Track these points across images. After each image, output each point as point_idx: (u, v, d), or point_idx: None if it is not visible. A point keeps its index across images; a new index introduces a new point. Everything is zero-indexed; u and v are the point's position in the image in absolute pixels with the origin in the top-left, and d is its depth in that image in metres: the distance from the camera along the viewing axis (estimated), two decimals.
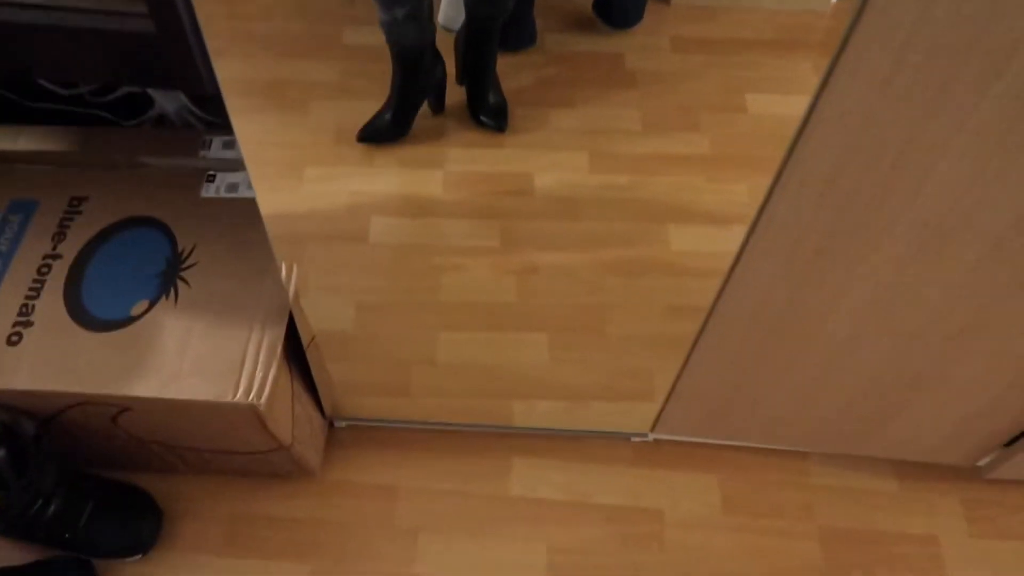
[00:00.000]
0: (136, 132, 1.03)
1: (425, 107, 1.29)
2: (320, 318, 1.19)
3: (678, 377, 0.96)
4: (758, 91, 1.53)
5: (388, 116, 1.25)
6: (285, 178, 1.22)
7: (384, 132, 1.24)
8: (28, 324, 0.86)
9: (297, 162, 1.25)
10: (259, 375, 0.84)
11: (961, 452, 1.16)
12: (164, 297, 0.86)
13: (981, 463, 1.16)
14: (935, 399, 0.99)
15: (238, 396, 0.83)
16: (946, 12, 0.48)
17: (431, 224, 1.21)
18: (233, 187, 0.96)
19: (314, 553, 1.26)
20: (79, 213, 0.94)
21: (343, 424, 1.15)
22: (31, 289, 0.87)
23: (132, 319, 0.86)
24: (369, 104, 1.32)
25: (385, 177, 1.24)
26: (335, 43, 1.40)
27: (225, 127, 0.95)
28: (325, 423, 1.12)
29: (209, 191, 0.95)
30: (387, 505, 1.25)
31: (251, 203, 0.94)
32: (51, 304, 0.88)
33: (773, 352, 0.91)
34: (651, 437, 1.15)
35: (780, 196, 0.67)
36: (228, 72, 1.34)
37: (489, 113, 1.23)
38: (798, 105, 1.53)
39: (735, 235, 1.39)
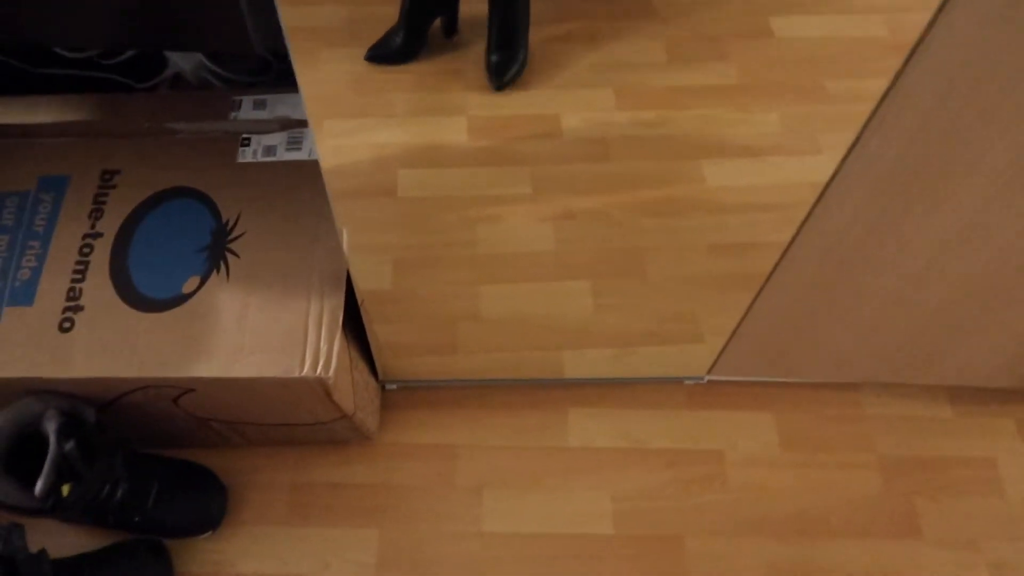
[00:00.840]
0: (160, 96, 1.00)
1: (442, 45, 1.26)
2: (358, 278, 1.18)
3: (743, 317, 0.97)
4: (784, 13, 1.50)
5: (399, 38, 1.21)
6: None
7: (394, 54, 1.20)
8: (78, 308, 0.84)
9: (316, 116, 1.22)
10: (324, 347, 0.83)
11: (1017, 374, 1.18)
12: (215, 272, 0.85)
13: None
14: (999, 326, 1.00)
15: (305, 370, 0.82)
16: None
17: (460, 174, 1.20)
18: (270, 150, 0.93)
19: (381, 517, 1.27)
20: (113, 187, 0.92)
21: (394, 386, 1.16)
22: (76, 272, 0.85)
23: (185, 296, 0.85)
24: None
25: (408, 127, 1.22)
26: None
27: (251, 84, 0.92)
28: (379, 386, 1.12)
29: (246, 155, 0.92)
30: (447, 464, 1.26)
31: (290, 166, 0.92)
32: (99, 286, 0.86)
33: (842, 290, 0.91)
34: (706, 379, 1.17)
35: (875, 129, 0.66)
36: None
37: (494, 68, 1.19)
38: (825, 26, 1.50)
39: (770, 167, 1.38)
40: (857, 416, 1.24)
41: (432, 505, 1.24)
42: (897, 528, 1.22)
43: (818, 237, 0.82)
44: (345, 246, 0.84)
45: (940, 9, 0.54)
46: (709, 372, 1.12)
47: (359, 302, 0.89)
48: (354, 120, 1.26)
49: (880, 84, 1.45)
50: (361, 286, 1.11)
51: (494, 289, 1.18)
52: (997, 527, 1.23)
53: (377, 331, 1.05)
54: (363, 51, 1.31)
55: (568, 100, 1.32)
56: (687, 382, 1.18)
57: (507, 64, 1.19)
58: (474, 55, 1.28)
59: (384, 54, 1.21)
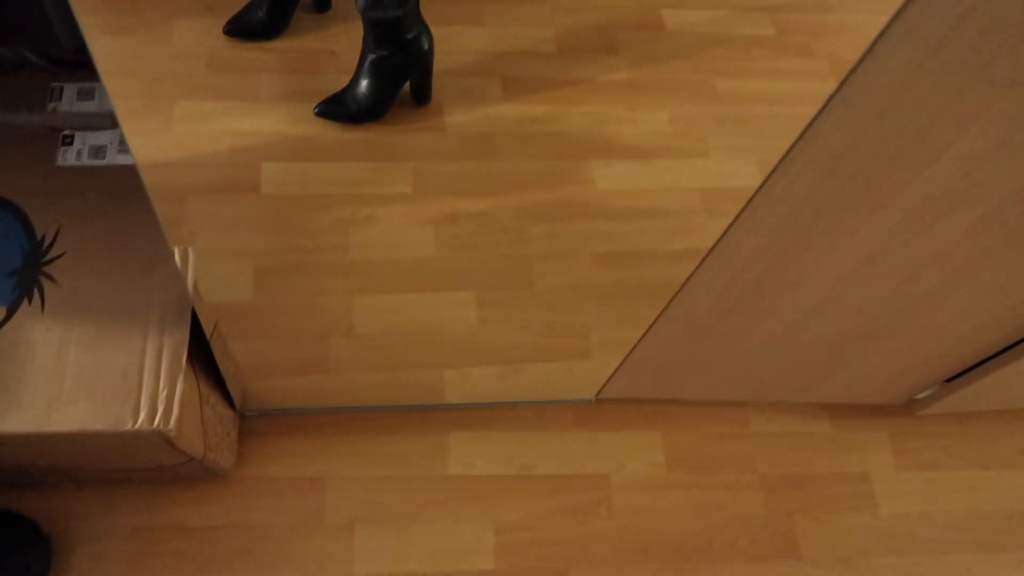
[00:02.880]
0: None
1: (313, 21, 1.20)
2: (213, 290, 1.09)
3: (639, 341, 0.98)
4: (674, 6, 1.53)
5: (262, 10, 1.14)
6: (151, 117, 1.09)
7: (258, 27, 1.13)
8: None
9: (165, 96, 1.12)
10: (163, 392, 0.74)
11: (897, 392, 1.28)
12: (26, 301, 0.73)
13: (920, 396, 1.29)
14: (888, 350, 1.07)
15: (140, 422, 0.72)
16: None
17: (332, 169, 1.14)
18: (99, 151, 0.82)
19: (239, 563, 1.17)
20: None
21: (255, 413, 1.08)
22: None
23: None
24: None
25: (274, 112, 1.14)
26: None
27: (80, 67, 0.81)
28: (236, 416, 1.04)
29: (68, 157, 0.80)
30: (315, 499, 1.18)
31: (123, 172, 0.82)
32: None
33: (737, 319, 0.94)
34: (593, 399, 1.19)
35: (783, 174, 0.68)
36: None
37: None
38: (715, 21, 1.55)
39: (661, 171, 1.41)
40: (742, 434, 1.31)
41: (297, 546, 1.17)
42: (777, 549, 1.30)
43: (717, 276, 0.85)
44: (191, 269, 0.76)
45: (864, 55, 0.56)
46: (599, 393, 1.14)
47: (208, 330, 0.82)
48: (211, 103, 1.17)
49: (764, 86, 1.52)
50: (217, 299, 1.04)
51: (369, 300, 1.13)
52: (871, 543, 1.33)
53: (235, 351, 0.98)
54: (222, 23, 1.22)
55: (452, 89, 1.29)
56: (574, 403, 1.19)
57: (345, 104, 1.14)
58: (348, 33, 1.23)
59: (246, 28, 1.13)
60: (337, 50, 1.17)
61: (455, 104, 1.21)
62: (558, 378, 1.15)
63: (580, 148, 1.26)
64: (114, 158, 0.83)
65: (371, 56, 1.07)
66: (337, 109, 1.09)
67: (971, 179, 0.67)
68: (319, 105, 1.08)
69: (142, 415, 0.73)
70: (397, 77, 1.11)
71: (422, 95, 1.15)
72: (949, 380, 1.18)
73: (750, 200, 0.71)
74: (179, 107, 1.09)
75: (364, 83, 1.09)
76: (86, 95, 0.80)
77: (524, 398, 1.16)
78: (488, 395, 1.13)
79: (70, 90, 0.81)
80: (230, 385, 0.94)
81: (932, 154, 0.64)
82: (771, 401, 1.29)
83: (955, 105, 0.58)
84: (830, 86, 1.52)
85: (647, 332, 0.96)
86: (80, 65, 0.78)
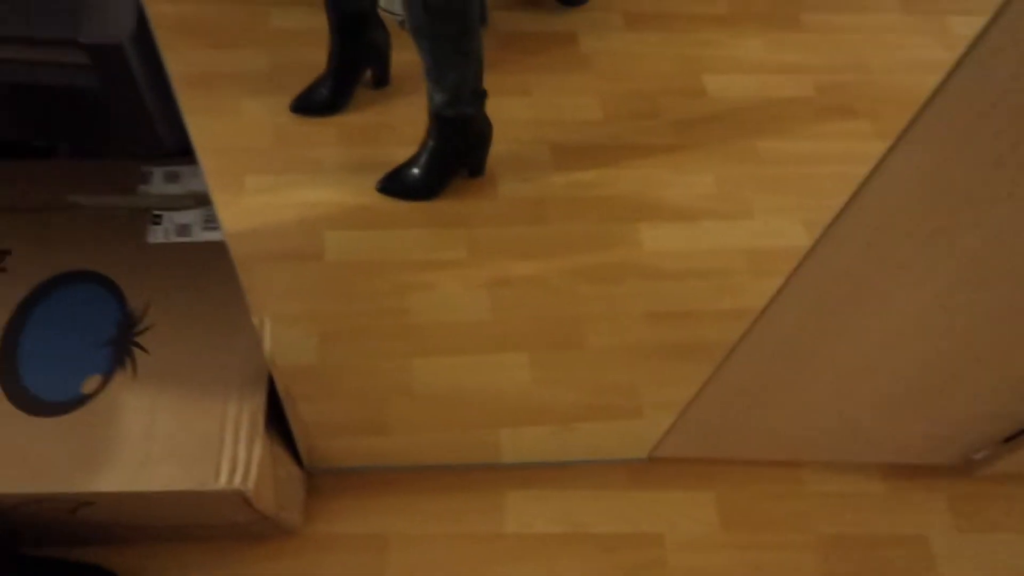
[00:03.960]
0: (59, 165, 0.92)
1: (372, 96, 1.27)
2: (282, 352, 1.15)
3: (692, 400, 1.00)
4: (715, 71, 1.59)
5: (326, 88, 1.17)
6: (223, 191, 1.16)
7: (321, 104, 1.17)
8: None
9: (236, 170, 1.19)
10: (242, 453, 0.78)
11: (953, 452, 1.27)
12: (120, 369, 0.78)
13: (977, 457, 1.28)
14: (942, 410, 1.08)
15: (221, 482, 0.76)
16: None
17: (391, 236, 1.19)
18: (184, 229, 0.88)
19: None
20: (3, 271, 0.83)
21: (322, 471, 1.13)
22: None
23: (85, 398, 0.77)
24: None
25: (337, 184, 1.21)
26: (262, 27, 1.34)
27: (168, 154, 0.88)
28: (304, 474, 1.09)
29: (156, 235, 0.86)
30: (378, 556, 1.21)
31: (207, 248, 0.88)
32: None
33: (789, 379, 0.96)
34: (646, 458, 1.20)
35: (831, 236, 0.71)
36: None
37: (390, 177, 1.16)
38: (755, 86, 1.60)
39: (708, 232, 1.44)
40: (797, 493, 1.30)
41: None
42: None
43: (766, 340, 0.87)
44: (268, 337, 0.82)
45: (913, 119, 0.59)
46: (651, 452, 1.16)
47: (282, 393, 0.87)
48: (278, 176, 1.24)
49: (807, 147, 1.56)
50: (285, 362, 1.09)
51: (427, 362, 1.17)
52: None
53: (302, 411, 1.03)
54: (288, 100, 1.30)
55: (504, 158, 1.35)
56: (628, 462, 1.21)
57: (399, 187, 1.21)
58: (406, 107, 1.30)
59: (311, 105, 1.21)
60: (395, 124, 1.24)
61: (506, 172, 1.27)
62: (611, 437, 1.17)
63: (628, 211, 1.30)
64: (198, 235, 0.89)
65: (432, 144, 1.14)
66: (397, 186, 1.15)
67: (1017, 242, 0.69)
68: (380, 181, 1.14)
69: (223, 476, 0.77)
70: (456, 163, 1.18)
71: (477, 171, 1.22)
72: (1007, 440, 1.17)
73: (800, 263, 0.74)
74: (249, 180, 1.16)
75: (424, 166, 1.15)
76: (172, 178, 0.87)
77: (578, 457, 1.18)
78: (543, 454, 1.16)
79: (158, 174, 0.87)
80: (299, 444, 0.98)
81: (974, 220, 0.66)
82: (825, 461, 1.29)
83: (997, 173, 0.61)
84: (874, 146, 1.54)
85: (699, 393, 0.98)
86: (169, 152, 0.85)
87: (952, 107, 0.56)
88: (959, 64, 0.53)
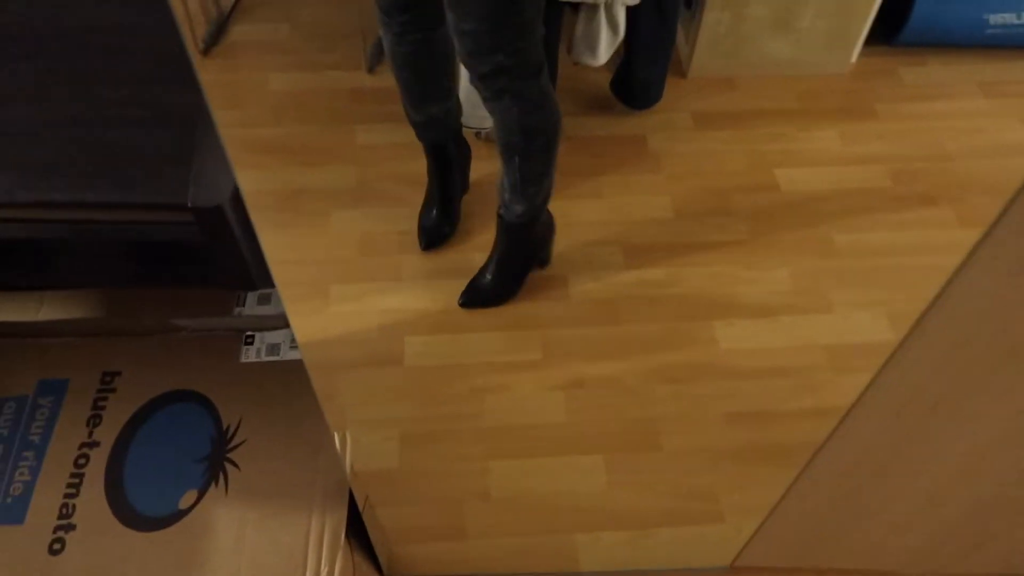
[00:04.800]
0: (165, 293, 1.01)
1: None
2: (363, 457, 1.16)
3: (773, 510, 0.97)
4: (787, 165, 1.58)
5: (434, 212, 1.24)
6: (310, 300, 1.21)
7: (439, 228, 1.24)
8: (70, 528, 0.81)
9: (322, 281, 1.24)
10: (324, 568, 0.80)
11: None
12: (214, 485, 0.82)
13: None
14: None
15: None
16: None
17: (468, 340, 1.21)
18: (274, 348, 0.93)
19: None
20: (112, 391, 0.91)
21: None
22: (70, 485, 0.82)
23: (182, 513, 0.83)
24: (392, 210, 1.34)
25: (415, 290, 1.24)
26: (349, 145, 1.42)
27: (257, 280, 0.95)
28: None
29: (249, 355, 0.92)
30: None
31: (293, 365, 0.92)
32: (93, 501, 0.82)
33: (872, 492, 0.92)
34: (728, 566, 1.16)
35: (916, 337, 0.69)
36: (241, 185, 1.35)
37: (469, 290, 1.21)
38: (828, 178, 1.57)
39: (784, 328, 1.41)
40: None
41: None
42: None
43: (844, 451, 0.84)
44: (348, 454, 0.84)
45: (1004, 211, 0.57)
46: (735, 560, 1.11)
47: (360, 504, 0.88)
48: (362, 284, 1.28)
49: (885, 237, 1.52)
50: (366, 467, 1.11)
51: (503, 465, 1.17)
52: None
53: (381, 516, 1.04)
54: (373, 211, 1.36)
55: (576, 259, 1.37)
56: (710, 571, 1.16)
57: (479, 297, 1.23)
58: (480, 214, 1.34)
59: (433, 236, 1.24)
60: (471, 229, 1.28)
61: (578, 273, 1.28)
62: (690, 543, 1.13)
63: (701, 309, 1.29)
64: (287, 354, 0.93)
65: (504, 250, 1.18)
66: (477, 298, 1.19)
67: None
68: (462, 297, 1.18)
69: None
70: (526, 267, 1.21)
71: (546, 262, 1.25)
72: None
73: (888, 359, 0.72)
74: (334, 289, 1.21)
75: (498, 272, 1.18)
76: (264, 300, 0.92)
77: (657, 565, 1.14)
78: (621, 562, 1.12)
79: (251, 297, 0.93)
80: (378, 552, 0.99)
81: None
82: (922, 572, 1.21)
83: None
84: (957, 235, 1.49)
85: (783, 498, 0.94)
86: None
87: None
88: None
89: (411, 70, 1.08)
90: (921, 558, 1.12)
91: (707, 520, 1.18)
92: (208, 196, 0.67)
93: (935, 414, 0.74)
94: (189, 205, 0.66)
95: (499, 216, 1.14)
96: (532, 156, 1.04)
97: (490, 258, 1.20)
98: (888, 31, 1.64)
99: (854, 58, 1.62)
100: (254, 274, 0.76)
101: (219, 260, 0.72)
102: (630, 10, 1.27)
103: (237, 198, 0.66)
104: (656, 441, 1.21)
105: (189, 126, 0.52)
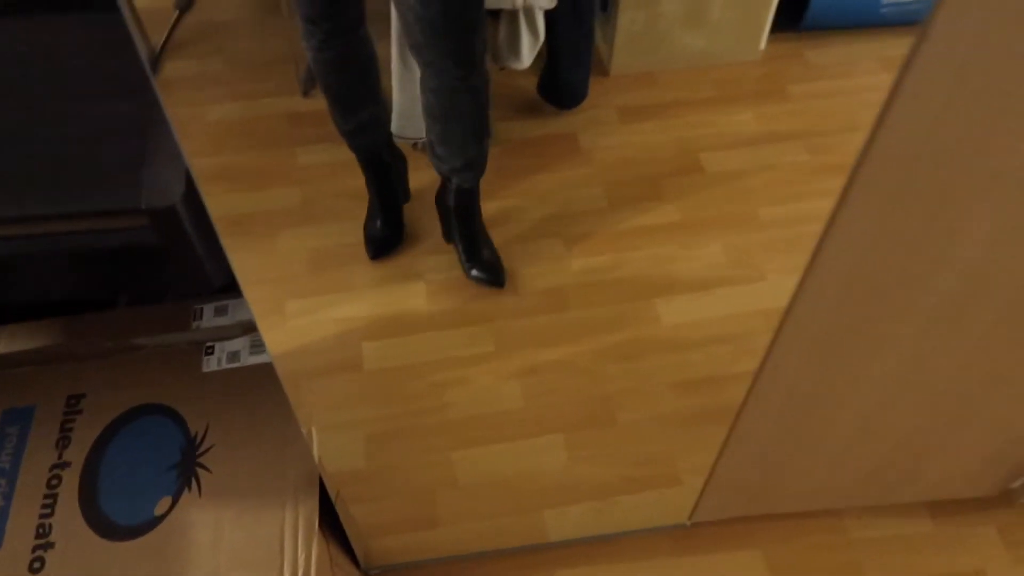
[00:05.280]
0: (123, 313, 1.03)
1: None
2: (332, 459, 1.19)
3: (716, 461, 1.02)
4: (710, 149, 1.65)
5: (378, 222, 1.26)
6: (267, 317, 1.24)
7: (385, 238, 1.27)
8: (48, 546, 0.82)
9: (277, 298, 1.27)
10: (302, 556, 0.83)
11: (991, 483, 1.25)
12: (187, 490, 0.85)
13: (1014, 486, 1.25)
14: (964, 441, 1.07)
15: None
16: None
17: (423, 339, 1.25)
18: (234, 356, 0.96)
19: None
20: (79, 412, 0.93)
21: (378, 572, 1.15)
22: (44, 506, 0.84)
23: (158, 520, 0.83)
24: (338, 224, 1.37)
25: (368, 299, 1.28)
26: (291, 167, 1.45)
27: (215, 292, 0.97)
28: (361, 575, 1.12)
29: (210, 364, 0.95)
30: None
31: (255, 370, 0.95)
32: (69, 519, 0.84)
33: (806, 427, 0.98)
34: (688, 523, 1.20)
35: (805, 293, 0.74)
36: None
37: (483, 269, 1.27)
38: (750, 157, 1.65)
39: (721, 299, 1.47)
40: (843, 543, 1.28)
41: None
42: None
43: (772, 390, 0.89)
44: (316, 445, 0.87)
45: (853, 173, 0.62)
46: (691, 516, 1.16)
47: (333, 496, 0.91)
48: (315, 297, 1.31)
49: (807, 207, 1.60)
50: (335, 468, 1.13)
51: (468, 453, 1.21)
52: None
53: (355, 513, 1.07)
54: (319, 228, 1.38)
55: (521, 254, 1.41)
56: (671, 529, 1.21)
57: (496, 260, 1.29)
58: (425, 221, 1.38)
59: (381, 246, 1.27)
60: (415, 233, 1.32)
61: (525, 267, 1.32)
62: (651, 507, 1.18)
63: (643, 289, 1.34)
64: (247, 360, 0.96)
65: (476, 223, 1.26)
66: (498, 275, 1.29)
67: (977, 280, 0.71)
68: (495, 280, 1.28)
69: None
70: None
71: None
72: None
73: (782, 320, 0.77)
74: (289, 305, 1.23)
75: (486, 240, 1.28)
76: (221, 312, 0.95)
77: (622, 529, 1.19)
78: (587, 530, 1.17)
79: (209, 309, 0.96)
80: (354, 545, 1.01)
81: (933, 262, 0.69)
82: (867, 506, 1.27)
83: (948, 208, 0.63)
84: None
85: (721, 453, 0.99)
86: (217, 289, 0.93)
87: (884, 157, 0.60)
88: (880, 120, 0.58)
89: (337, 75, 1.12)
90: (861, 491, 1.18)
91: (664, 483, 1.23)
92: (160, 197, 0.70)
93: (846, 343, 0.80)
94: (143, 207, 0.69)
95: (448, 194, 1.19)
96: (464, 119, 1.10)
97: (470, 243, 1.22)
98: (793, 18, 1.72)
99: (763, 45, 1.69)
100: (210, 272, 0.79)
101: (176, 262, 0.75)
102: (548, 15, 1.33)
103: (190, 199, 0.69)
104: (611, 416, 1.25)
105: (138, 136, 0.55)
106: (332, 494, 0.94)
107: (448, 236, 1.27)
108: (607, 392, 1.26)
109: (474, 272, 1.24)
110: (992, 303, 0.76)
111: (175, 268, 0.79)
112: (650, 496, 1.23)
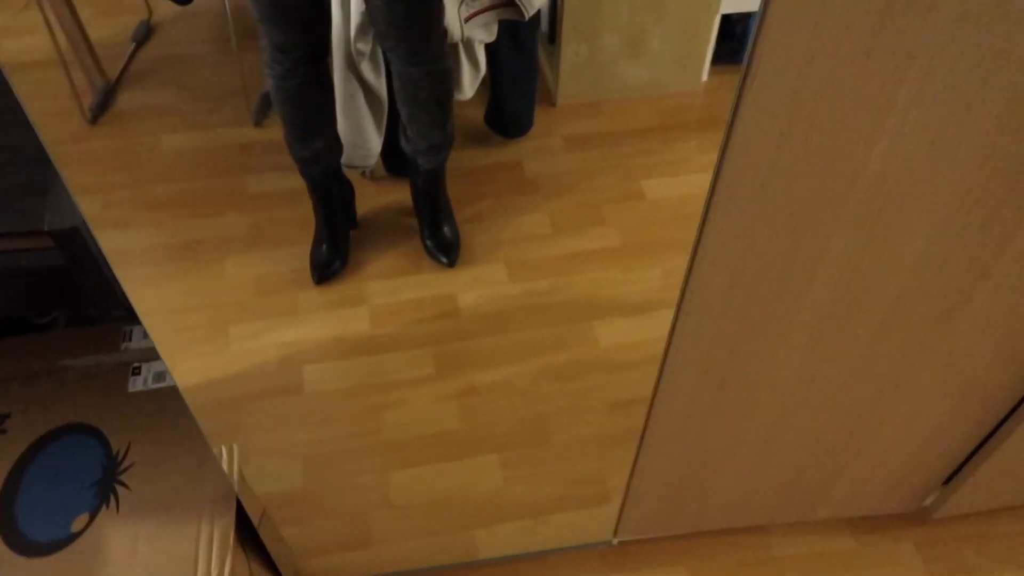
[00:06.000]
0: (51, 336, 1.03)
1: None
2: (267, 482, 1.19)
3: (630, 479, 1.02)
4: (652, 176, 1.67)
5: (324, 247, 1.28)
6: (211, 341, 1.24)
7: (330, 263, 1.28)
8: None
9: (221, 322, 1.27)
10: (215, 570, 0.84)
11: (905, 498, 1.26)
12: (105, 506, 0.85)
13: (927, 503, 1.27)
14: (870, 454, 1.09)
15: None
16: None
17: (365, 363, 1.26)
18: (160, 376, 0.97)
19: None
20: (2, 433, 0.92)
21: None
22: None
23: (73, 536, 0.83)
24: (284, 251, 1.38)
25: (312, 323, 1.28)
26: (240, 195, 1.45)
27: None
28: None
29: (136, 384, 0.95)
30: None
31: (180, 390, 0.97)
32: None
33: (711, 442, 0.99)
34: (615, 541, 1.20)
35: (688, 307, 0.75)
36: (136, 242, 1.38)
37: (442, 248, 1.31)
38: (690, 184, 1.68)
39: (659, 322, 1.49)
40: (768, 559, 1.29)
41: None
42: None
43: (674, 397, 0.90)
44: (236, 464, 0.88)
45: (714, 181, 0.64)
46: (616, 534, 1.17)
47: (254, 519, 0.91)
48: (259, 322, 1.32)
49: None
50: (271, 490, 1.13)
51: (403, 474, 1.21)
52: None
53: (287, 534, 1.06)
54: (266, 254, 1.39)
55: (464, 279, 1.42)
56: (599, 546, 1.22)
57: (456, 241, 1.33)
58: (370, 247, 1.39)
59: (325, 271, 1.27)
60: (363, 261, 1.33)
61: (467, 291, 1.34)
62: (581, 525, 1.19)
63: (583, 312, 1.36)
64: (172, 380, 0.97)
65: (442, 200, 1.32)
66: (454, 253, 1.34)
67: (848, 297, 0.73)
68: (448, 260, 1.31)
69: None
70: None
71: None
72: (947, 482, 1.17)
73: (669, 335, 0.79)
74: (233, 329, 1.24)
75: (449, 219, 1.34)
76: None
77: (551, 547, 1.20)
78: (518, 547, 1.17)
79: (139, 331, 0.96)
80: (280, 565, 1.01)
81: (807, 270, 0.70)
82: (789, 523, 1.29)
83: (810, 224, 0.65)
84: None
85: (633, 470, 1.01)
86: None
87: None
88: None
89: (299, 104, 1.14)
90: (779, 508, 1.20)
91: (594, 502, 1.24)
92: (63, 219, 0.71)
93: (736, 357, 0.82)
94: (46, 229, 0.70)
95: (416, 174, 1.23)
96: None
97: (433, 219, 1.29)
98: (734, 51, 1.76)
99: (705, 76, 1.72)
100: (120, 293, 0.79)
101: (84, 282, 0.76)
102: (491, 48, 1.35)
103: None
104: (546, 436, 1.26)
105: (41, 164, 0.56)
106: (254, 516, 0.95)
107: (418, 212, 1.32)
108: (543, 412, 1.27)
109: (428, 243, 1.28)
110: (867, 319, 0.78)
111: (87, 288, 0.80)
112: (580, 515, 1.24)
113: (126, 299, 0.82)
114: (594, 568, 1.22)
